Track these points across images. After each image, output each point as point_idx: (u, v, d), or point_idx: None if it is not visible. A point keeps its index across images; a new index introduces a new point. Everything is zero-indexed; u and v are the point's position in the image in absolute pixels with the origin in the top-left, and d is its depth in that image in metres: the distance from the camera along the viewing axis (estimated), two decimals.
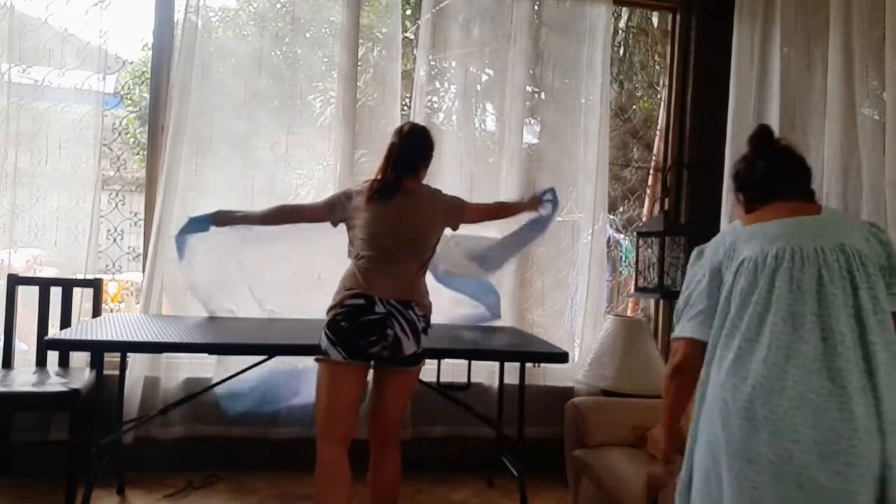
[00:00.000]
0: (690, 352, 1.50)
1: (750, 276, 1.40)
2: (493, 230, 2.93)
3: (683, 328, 1.51)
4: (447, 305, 2.90)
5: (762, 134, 1.62)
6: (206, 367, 3.10)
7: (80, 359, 3.08)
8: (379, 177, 2.32)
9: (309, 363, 2.40)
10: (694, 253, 1.58)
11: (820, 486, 1.24)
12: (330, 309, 2.20)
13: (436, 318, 2.36)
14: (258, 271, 2.86)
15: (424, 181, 2.44)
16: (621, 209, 5.00)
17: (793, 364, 1.30)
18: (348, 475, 2.17)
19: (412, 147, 2.35)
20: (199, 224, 2.63)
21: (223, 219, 2.61)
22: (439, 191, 2.45)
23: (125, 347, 2.69)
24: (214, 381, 2.87)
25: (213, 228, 2.61)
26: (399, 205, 2.28)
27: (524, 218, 2.82)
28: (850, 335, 1.31)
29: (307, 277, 2.97)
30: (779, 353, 1.32)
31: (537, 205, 2.77)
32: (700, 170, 3.69)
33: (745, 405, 1.31)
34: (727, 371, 1.37)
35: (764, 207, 1.51)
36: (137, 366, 3.08)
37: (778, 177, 1.53)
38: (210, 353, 2.77)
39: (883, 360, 1.29)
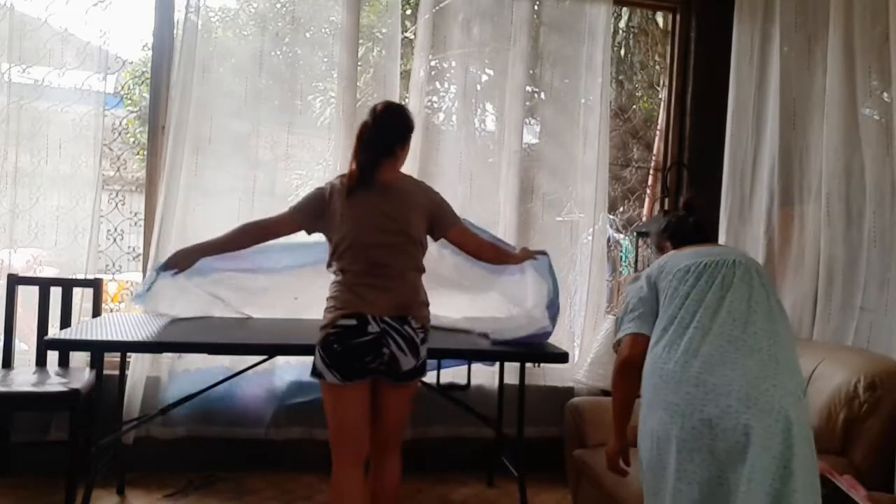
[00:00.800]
0: (637, 346, 1.78)
1: (681, 280, 1.77)
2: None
3: (628, 327, 1.81)
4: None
5: (694, 198, 2.07)
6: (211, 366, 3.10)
7: (80, 359, 3.09)
8: (353, 166, 2.13)
9: None
10: (630, 278, 1.93)
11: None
12: (322, 327, 2.08)
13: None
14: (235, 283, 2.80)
15: (419, 180, 2.34)
16: (621, 209, 4.99)
17: (726, 343, 1.66)
18: (360, 494, 2.11)
19: (387, 127, 2.15)
20: (162, 274, 2.46)
21: (181, 261, 2.36)
22: (427, 185, 2.31)
23: (125, 347, 2.69)
24: (214, 381, 2.88)
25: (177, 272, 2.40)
26: (382, 203, 2.10)
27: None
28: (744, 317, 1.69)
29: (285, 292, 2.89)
30: (721, 336, 1.66)
31: (526, 258, 2.62)
32: (700, 170, 3.69)
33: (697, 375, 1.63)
34: (681, 351, 1.67)
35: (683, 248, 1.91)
36: (140, 365, 3.08)
37: (701, 228, 1.99)
38: (210, 353, 2.77)
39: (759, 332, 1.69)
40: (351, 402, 2.09)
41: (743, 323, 1.66)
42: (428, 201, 2.22)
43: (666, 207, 3.71)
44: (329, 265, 2.17)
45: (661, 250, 2.03)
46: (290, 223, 2.24)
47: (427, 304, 2.19)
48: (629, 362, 1.79)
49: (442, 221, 2.25)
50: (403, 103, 3.54)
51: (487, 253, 2.46)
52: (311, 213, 2.20)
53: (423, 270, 2.21)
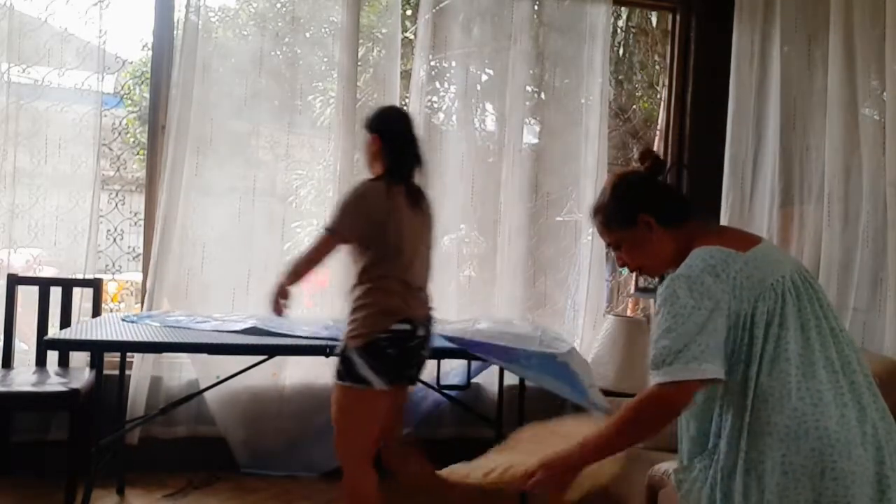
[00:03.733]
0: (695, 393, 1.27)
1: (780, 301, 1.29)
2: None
3: (705, 368, 1.23)
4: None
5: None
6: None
7: (79, 359, 3.08)
8: (393, 177, 2.12)
9: None
10: (683, 283, 1.29)
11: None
12: (364, 334, 2.02)
13: None
14: None
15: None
16: None
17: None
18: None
19: (416, 135, 2.21)
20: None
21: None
22: None
23: (125, 347, 2.69)
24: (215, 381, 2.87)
25: None
26: (422, 213, 2.18)
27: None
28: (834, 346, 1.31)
29: None
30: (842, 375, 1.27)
31: None
32: (700, 170, 3.69)
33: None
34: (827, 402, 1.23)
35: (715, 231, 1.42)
36: (140, 365, 3.08)
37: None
38: (209, 353, 2.76)
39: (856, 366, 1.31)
40: (386, 406, 2.10)
41: None
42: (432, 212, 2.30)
43: None
44: (366, 269, 2.09)
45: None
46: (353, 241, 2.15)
47: None
48: (681, 410, 1.33)
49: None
50: (404, 104, 3.56)
51: None
52: (366, 224, 2.10)
53: None
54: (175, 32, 3.29)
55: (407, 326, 2.04)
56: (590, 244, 3.53)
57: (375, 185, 2.12)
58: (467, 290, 3.55)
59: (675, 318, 1.27)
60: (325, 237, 2.11)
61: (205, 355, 2.93)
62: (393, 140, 2.16)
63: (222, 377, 2.84)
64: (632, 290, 3.86)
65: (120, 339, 2.44)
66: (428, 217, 2.22)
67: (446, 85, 3.74)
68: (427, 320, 2.14)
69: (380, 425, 2.10)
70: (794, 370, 1.24)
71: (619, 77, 5.36)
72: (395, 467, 2.29)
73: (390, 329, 2.01)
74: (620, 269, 5.06)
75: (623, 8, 4.91)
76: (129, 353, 2.94)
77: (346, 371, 2.02)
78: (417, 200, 2.16)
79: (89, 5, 3.13)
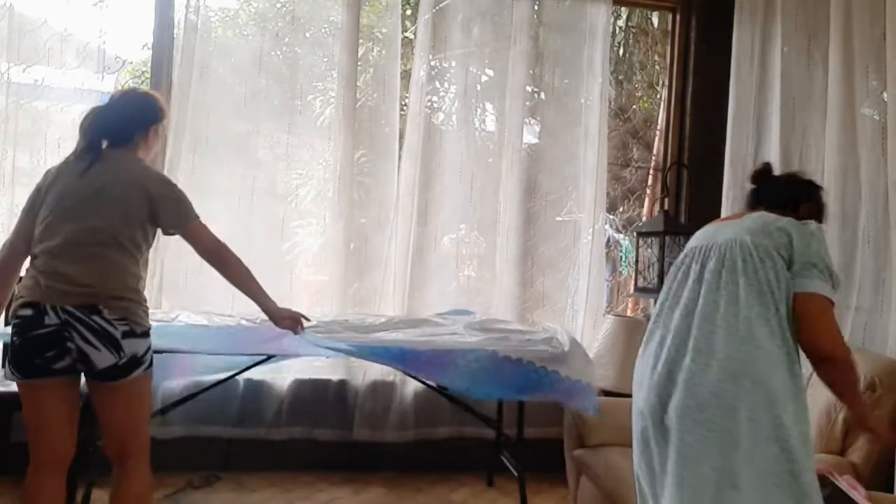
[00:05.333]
0: None
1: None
2: None
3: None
4: None
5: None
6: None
7: None
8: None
9: None
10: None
11: None
12: (149, 327, 1.99)
13: None
14: None
15: None
16: (621, 209, 5.00)
17: None
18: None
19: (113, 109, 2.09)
20: None
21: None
22: None
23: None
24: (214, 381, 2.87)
25: None
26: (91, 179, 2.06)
27: None
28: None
29: None
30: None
31: None
32: (700, 170, 3.69)
33: None
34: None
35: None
36: None
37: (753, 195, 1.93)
38: (209, 353, 2.76)
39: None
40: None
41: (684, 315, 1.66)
42: None
43: (665, 207, 3.71)
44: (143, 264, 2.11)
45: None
46: None
47: None
48: None
49: None
50: (404, 104, 3.56)
51: None
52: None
53: None
54: (175, 32, 3.29)
55: (29, 312, 1.86)
56: (590, 244, 3.53)
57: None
58: (467, 289, 3.55)
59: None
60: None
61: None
62: None
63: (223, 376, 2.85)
64: (631, 290, 3.86)
65: None
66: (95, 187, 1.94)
67: (446, 85, 3.74)
68: (75, 305, 1.83)
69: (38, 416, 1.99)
70: None
71: (619, 77, 5.36)
72: None
73: (17, 315, 1.88)
74: (620, 270, 5.06)
75: (623, 8, 4.91)
76: None
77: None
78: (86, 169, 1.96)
79: (89, 5, 3.13)
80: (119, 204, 1.93)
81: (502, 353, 2.51)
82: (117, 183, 1.96)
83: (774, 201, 1.83)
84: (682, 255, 1.82)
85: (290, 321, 2.24)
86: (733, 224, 1.75)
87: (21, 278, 2.04)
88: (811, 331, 1.56)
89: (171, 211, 2.01)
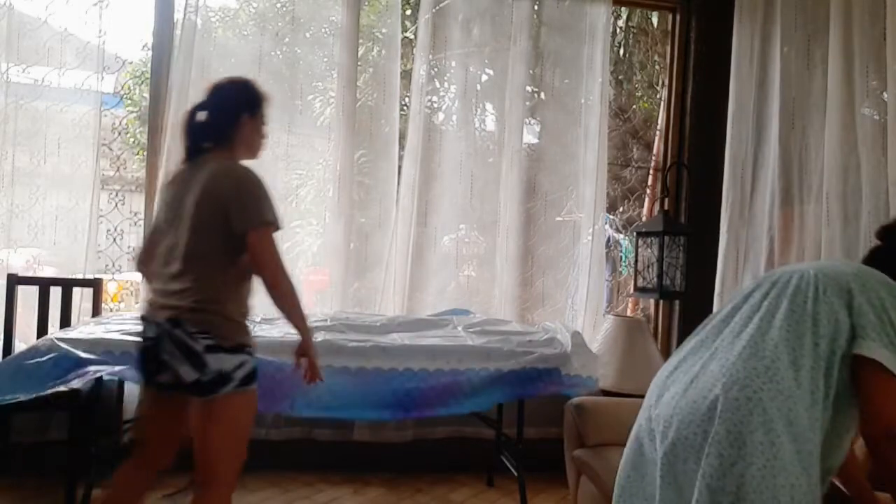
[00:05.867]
0: None
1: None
2: None
3: None
4: None
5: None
6: None
7: None
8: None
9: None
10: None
11: None
12: (245, 342, 1.85)
13: None
14: None
15: None
16: (621, 209, 5.00)
17: None
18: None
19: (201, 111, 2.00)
20: None
21: None
22: None
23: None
24: None
25: None
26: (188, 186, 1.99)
27: None
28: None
29: None
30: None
31: None
32: (700, 170, 3.69)
33: None
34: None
35: None
36: None
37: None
38: None
39: None
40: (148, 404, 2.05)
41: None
42: None
43: (665, 207, 3.71)
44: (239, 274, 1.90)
45: None
46: None
47: None
48: None
49: None
50: (404, 104, 3.56)
51: None
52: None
53: None
54: (175, 32, 3.29)
55: (141, 324, 1.90)
56: (589, 244, 3.53)
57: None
58: (467, 289, 3.55)
59: None
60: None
61: None
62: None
63: None
64: (631, 290, 3.86)
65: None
66: (184, 192, 1.86)
67: (446, 85, 3.74)
68: (164, 318, 1.80)
69: (145, 421, 2.03)
70: None
71: (619, 77, 5.36)
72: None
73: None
74: (620, 269, 5.06)
75: (623, 8, 4.91)
76: None
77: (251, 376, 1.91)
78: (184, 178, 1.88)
79: (89, 5, 3.13)
80: (196, 213, 1.81)
81: (507, 369, 2.57)
82: (197, 190, 1.82)
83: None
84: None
85: (310, 370, 1.96)
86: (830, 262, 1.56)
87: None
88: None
89: (236, 213, 1.79)
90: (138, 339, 1.94)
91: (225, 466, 1.88)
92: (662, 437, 1.44)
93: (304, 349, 1.92)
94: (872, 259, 1.64)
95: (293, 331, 1.89)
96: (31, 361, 2.34)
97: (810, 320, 1.38)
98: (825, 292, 1.41)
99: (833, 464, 1.43)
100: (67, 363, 2.35)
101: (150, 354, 1.85)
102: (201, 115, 1.94)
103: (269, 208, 1.81)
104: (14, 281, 2.97)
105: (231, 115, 1.93)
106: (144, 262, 1.99)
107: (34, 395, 2.31)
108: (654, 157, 4.47)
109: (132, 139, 4.65)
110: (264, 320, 2.81)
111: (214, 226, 1.80)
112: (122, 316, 2.99)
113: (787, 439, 1.29)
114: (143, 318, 1.88)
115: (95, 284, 3.07)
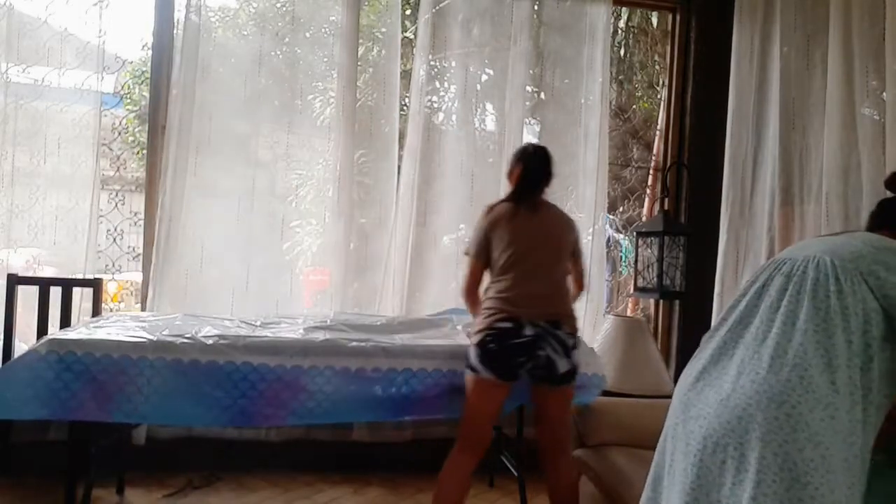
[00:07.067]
0: None
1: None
2: None
3: None
4: None
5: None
6: None
7: None
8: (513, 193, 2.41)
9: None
10: None
11: None
12: (478, 331, 2.26)
13: None
14: None
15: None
16: (621, 209, 5.00)
17: None
18: (468, 480, 2.32)
19: (540, 166, 2.45)
20: None
21: None
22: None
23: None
24: None
25: None
26: (542, 221, 2.38)
27: None
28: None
29: None
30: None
31: None
32: (700, 170, 3.69)
33: None
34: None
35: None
36: None
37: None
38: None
39: None
40: (493, 397, 2.29)
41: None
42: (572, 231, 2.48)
43: (665, 207, 3.71)
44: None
45: None
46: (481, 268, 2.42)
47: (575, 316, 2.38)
48: None
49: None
50: (404, 104, 3.56)
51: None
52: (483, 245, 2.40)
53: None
54: (175, 32, 3.29)
55: (509, 325, 2.21)
56: (590, 244, 3.52)
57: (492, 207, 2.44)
58: None
59: None
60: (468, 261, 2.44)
61: None
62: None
63: None
64: (631, 290, 3.86)
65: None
66: (545, 226, 2.37)
67: (446, 85, 3.74)
68: (540, 320, 2.22)
69: (488, 415, 2.29)
70: None
71: (619, 77, 5.36)
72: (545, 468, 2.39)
73: (494, 327, 2.23)
74: (620, 269, 5.06)
75: (623, 8, 4.91)
76: None
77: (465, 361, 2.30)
78: (533, 214, 2.36)
79: (89, 5, 3.13)
80: (556, 240, 2.37)
81: None
82: (554, 224, 2.40)
83: None
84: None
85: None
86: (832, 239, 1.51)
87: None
88: None
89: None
90: (494, 338, 2.22)
91: (571, 436, 2.48)
92: (696, 460, 1.37)
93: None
94: (882, 210, 1.66)
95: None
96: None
97: (838, 317, 1.32)
98: (848, 281, 1.34)
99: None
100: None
101: (522, 349, 2.21)
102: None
103: (471, 241, 2.46)
104: (14, 281, 2.97)
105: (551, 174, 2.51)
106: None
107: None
108: (654, 157, 4.47)
109: (132, 139, 4.65)
110: (264, 324, 2.80)
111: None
112: (123, 316, 2.99)
113: (836, 450, 1.25)
114: (513, 319, 2.22)
115: (95, 284, 3.06)
